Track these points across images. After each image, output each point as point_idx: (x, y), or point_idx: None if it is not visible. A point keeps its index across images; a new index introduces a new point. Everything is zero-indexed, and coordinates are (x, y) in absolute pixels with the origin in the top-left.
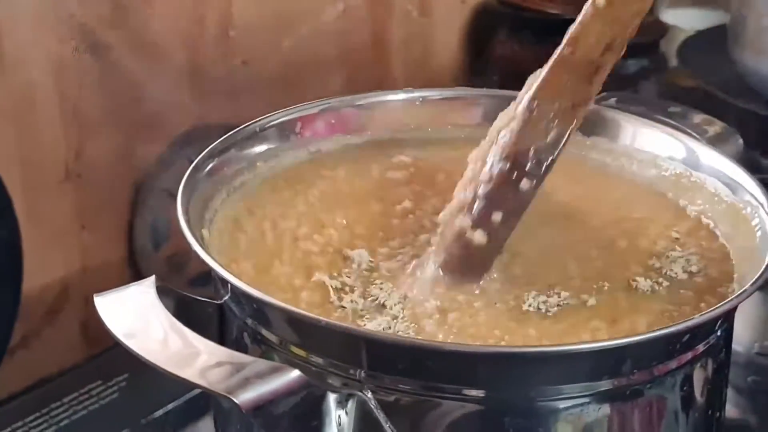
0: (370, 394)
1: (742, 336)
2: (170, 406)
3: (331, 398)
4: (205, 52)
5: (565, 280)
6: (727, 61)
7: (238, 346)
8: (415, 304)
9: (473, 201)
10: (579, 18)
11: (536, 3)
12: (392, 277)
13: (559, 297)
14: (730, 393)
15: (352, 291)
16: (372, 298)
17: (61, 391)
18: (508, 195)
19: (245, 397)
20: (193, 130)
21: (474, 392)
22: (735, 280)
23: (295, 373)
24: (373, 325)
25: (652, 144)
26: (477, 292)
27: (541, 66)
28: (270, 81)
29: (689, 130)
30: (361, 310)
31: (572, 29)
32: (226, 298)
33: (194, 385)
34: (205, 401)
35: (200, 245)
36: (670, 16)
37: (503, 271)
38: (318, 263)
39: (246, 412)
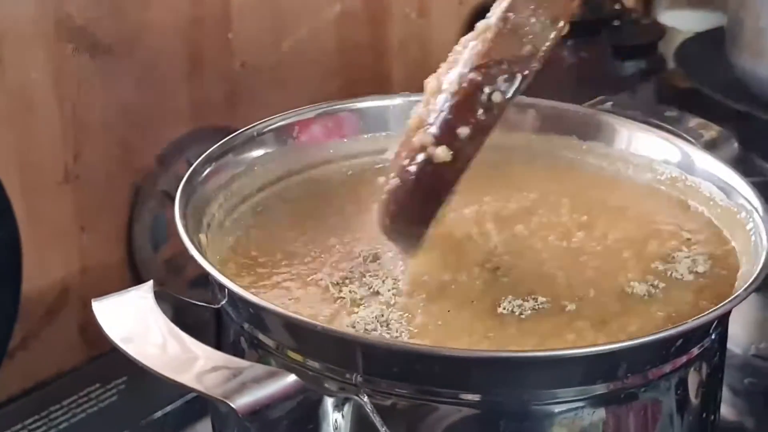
0: (366, 398)
1: (739, 338)
2: (168, 409)
3: (328, 402)
4: (203, 54)
5: (546, 288)
6: (725, 63)
7: (236, 351)
8: (407, 293)
9: (437, 112)
10: None
11: None
12: (387, 267)
13: (536, 302)
14: (726, 395)
15: (351, 282)
16: (368, 286)
17: (60, 394)
18: (476, 108)
19: (242, 401)
20: (191, 132)
21: (470, 396)
22: (739, 278)
23: (292, 378)
24: (367, 312)
25: (648, 148)
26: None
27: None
28: (268, 83)
29: (684, 135)
30: (360, 299)
31: None
32: (223, 302)
33: (191, 390)
34: (202, 404)
35: (198, 250)
36: (668, 17)
37: (488, 278)
38: (319, 260)
39: (243, 417)
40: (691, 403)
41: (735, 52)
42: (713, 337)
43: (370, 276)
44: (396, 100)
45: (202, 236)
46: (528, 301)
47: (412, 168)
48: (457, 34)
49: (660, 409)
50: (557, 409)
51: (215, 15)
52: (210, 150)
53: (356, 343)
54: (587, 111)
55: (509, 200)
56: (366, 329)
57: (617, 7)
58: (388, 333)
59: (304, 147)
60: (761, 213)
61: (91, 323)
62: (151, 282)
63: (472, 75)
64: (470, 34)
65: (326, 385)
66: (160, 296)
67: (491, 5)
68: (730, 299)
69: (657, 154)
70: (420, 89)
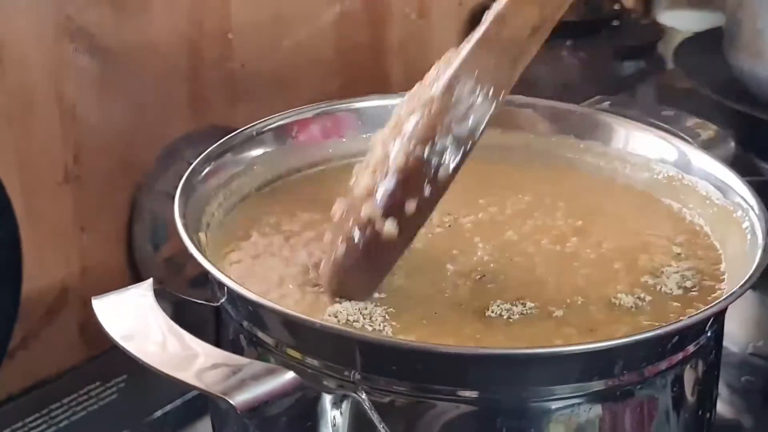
0: (364, 396)
1: (737, 337)
2: (169, 407)
3: (326, 399)
4: (203, 54)
5: (535, 294)
6: (724, 63)
7: (235, 349)
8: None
9: (384, 187)
10: None
11: None
12: None
13: (524, 307)
14: (724, 393)
15: None
16: None
17: (60, 392)
18: (423, 182)
19: (240, 398)
20: (191, 132)
21: (467, 393)
22: (725, 287)
23: (290, 375)
24: (351, 304)
25: (645, 147)
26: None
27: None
28: (268, 83)
29: (681, 134)
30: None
31: (499, 6)
32: (223, 300)
33: (191, 387)
34: (203, 403)
35: (197, 248)
36: (667, 18)
37: (477, 282)
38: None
39: (241, 413)
40: (687, 400)
41: (733, 53)
42: (709, 334)
43: None
44: (394, 100)
45: (202, 235)
46: (516, 305)
47: (360, 239)
48: (456, 35)
49: (656, 406)
50: (554, 405)
51: (215, 15)
52: (209, 149)
53: (354, 340)
54: (585, 110)
55: (504, 203)
56: (348, 320)
57: (617, 7)
58: (371, 326)
59: (303, 146)
60: (757, 211)
61: (91, 323)
62: (150, 280)
63: (417, 150)
64: (411, 99)
65: (325, 382)
66: (159, 294)
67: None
68: (726, 296)
69: (654, 153)
70: None
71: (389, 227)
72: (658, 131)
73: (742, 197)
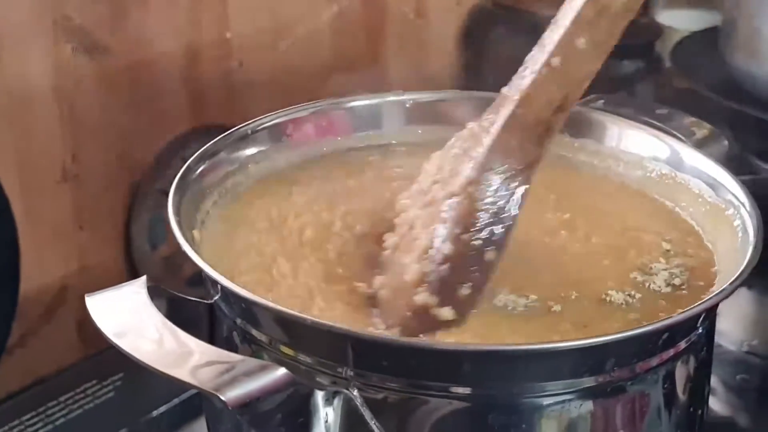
0: (356, 392)
1: (732, 334)
2: (167, 405)
3: (318, 396)
4: (201, 54)
5: (534, 286)
6: (721, 62)
7: (229, 346)
8: None
9: (436, 276)
10: (531, 77)
11: (531, 4)
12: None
13: (527, 299)
14: (719, 391)
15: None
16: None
17: (57, 390)
18: (473, 266)
19: (232, 394)
20: (189, 131)
21: (460, 390)
22: (716, 284)
23: (281, 371)
24: None
25: (638, 145)
26: None
27: None
28: (266, 83)
29: (674, 132)
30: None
31: (523, 87)
32: (216, 297)
33: (184, 384)
34: (200, 400)
35: (190, 246)
36: (665, 17)
37: None
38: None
39: (233, 409)
40: (678, 396)
41: (730, 52)
42: (700, 331)
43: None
44: (389, 99)
45: (196, 232)
46: (521, 298)
47: (414, 324)
48: (454, 35)
49: (648, 402)
50: (546, 401)
51: (213, 15)
52: (204, 147)
53: (346, 336)
54: (578, 109)
55: None
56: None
57: None
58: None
59: (298, 145)
60: (748, 208)
61: (90, 321)
62: (144, 277)
63: (464, 237)
64: (432, 170)
65: (317, 378)
66: (153, 291)
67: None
68: (717, 292)
69: (647, 152)
70: (417, 88)
71: (446, 314)
72: (651, 129)
73: (733, 194)
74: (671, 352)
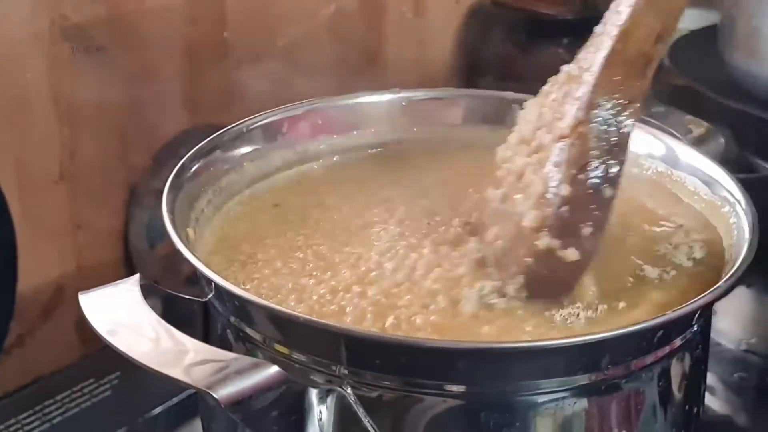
0: (349, 390)
1: (731, 333)
2: (165, 404)
3: (312, 394)
4: (199, 53)
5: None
6: (720, 60)
7: (223, 344)
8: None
9: (556, 218)
10: (627, 11)
11: (530, 3)
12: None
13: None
14: (717, 389)
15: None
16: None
17: (54, 389)
18: (592, 204)
19: (224, 392)
20: (187, 130)
21: (454, 388)
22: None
23: (274, 369)
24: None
25: (634, 143)
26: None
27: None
28: (264, 81)
29: (670, 130)
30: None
31: (620, 22)
32: (211, 296)
33: (177, 382)
34: (197, 400)
35: (184, 244)
36: None
37: None
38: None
39: (225, 407)
40: (673, 394)
41: (728, 50)
42: (696, 328)
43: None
44: (384, 97)
45: (190, 231)
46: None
47: (539, 271)
48: (452, 34)
49: (643, 400)
50: (541, 399)
51: (211, 14)
52: (198, 146)
53: (339, 335)
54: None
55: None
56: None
57: None
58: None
59: (293, 143)
60: (744, 206)
61: (87, 321)
62: (137, 275)
63: (580, 177)
64: (531, 117)
65: (312, 376)
66: (147, 289)
67: (486, 6)
68: (711, 290)
69: (643, 149)
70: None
71: (572, 254)
72: (646, 127)
73: (729, 191)
74: (666, 349)
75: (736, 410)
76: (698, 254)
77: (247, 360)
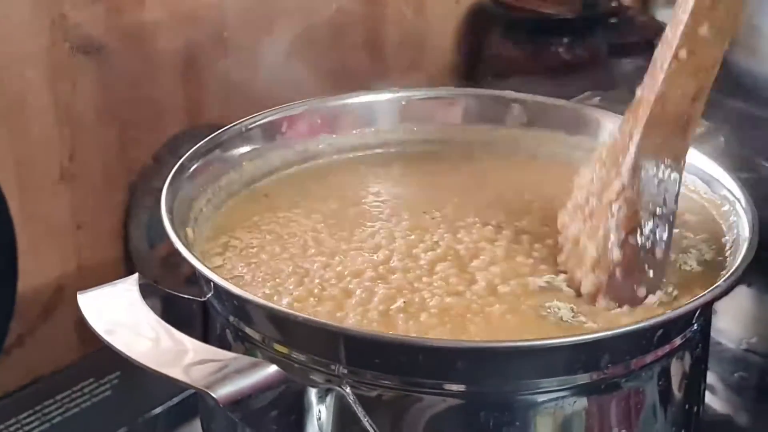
0: (348, 389)
1: (731, 332)
2: (165, 404)
3: (311, 393)
4: (198, 52)
5: None
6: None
7: (222, 344)
8: None
9: (612, 283)
10: (662, 74)
11: (530, 3)
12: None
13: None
14: (718, 388)
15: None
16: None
17: (54, 389)
18: (645, 266)
19: (223, 392)
20: (187, 130)
21: (454, 387)
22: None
23: (273, 368)
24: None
25: None
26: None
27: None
28: (264, 81)
29: None
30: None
31: (658, 86)
32: (209, 295)
33: (175, 381)
34: (197, 400)
35: (183, 243)
36: (665, 14)
37: None
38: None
39: (224, 407)
40: (673, 393)
41: (728, 49)
42: (695, 327)
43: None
44: (384, 96)
45: (189, 230)
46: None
47: None
48: (453, 33)
49: (643, 399)
50: (540, 398)
51: (210, 13)
52: (197, 145)
53: (338, 334)
54: (574, 106)
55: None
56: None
57: (614, 4)
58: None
59: (293, 143)
60: (743, 204)
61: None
62: (136, 275)
63: (630, 240)
64: (586, 183)
65: (311, 376)
66: (146, 289)
67: (486, 5)
68: (710, 289)
69: None
70: (416, 86)
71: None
72: None
73: (728, 190)
74: (666, 348)
75: (737, 410)
76: (708, 256)
77: (246, 360)
